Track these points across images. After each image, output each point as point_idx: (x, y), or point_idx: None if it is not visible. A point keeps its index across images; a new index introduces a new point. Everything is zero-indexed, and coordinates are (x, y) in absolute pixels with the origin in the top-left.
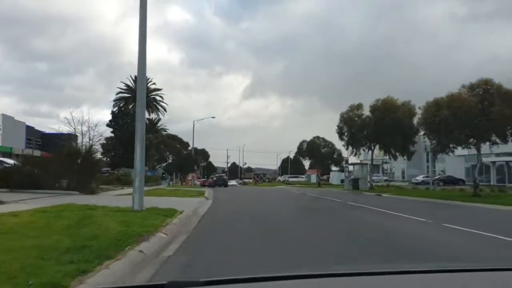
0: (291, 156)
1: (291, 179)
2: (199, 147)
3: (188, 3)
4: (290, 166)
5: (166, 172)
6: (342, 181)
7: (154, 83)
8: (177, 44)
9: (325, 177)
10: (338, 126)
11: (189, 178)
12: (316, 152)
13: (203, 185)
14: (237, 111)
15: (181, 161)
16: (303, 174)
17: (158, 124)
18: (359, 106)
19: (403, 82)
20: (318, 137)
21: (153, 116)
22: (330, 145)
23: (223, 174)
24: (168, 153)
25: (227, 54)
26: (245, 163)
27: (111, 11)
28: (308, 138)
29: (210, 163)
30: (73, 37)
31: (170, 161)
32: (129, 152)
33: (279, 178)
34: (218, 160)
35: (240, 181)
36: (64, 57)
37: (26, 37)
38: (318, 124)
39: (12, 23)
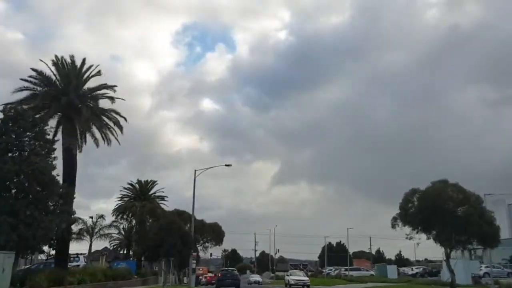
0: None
1: (352, 273)
2: (227, 236)
3: (219, 95)
4: (333, 254)
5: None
6: (474, 278)
7: (99, 72)
8: (208, 133)
9: (371, 267)
10: None
11: (200, 271)
12: (443, 213)
13: (209, 282)
14: (266, 198)
15: (157, 236)
16: (350, 266)
17: (152, 191)
18: None
19: (437, 167)
20: (445, 182)
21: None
22: (473, 198)
23: (233, 269)
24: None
25: (256, 141)
26: (278, 251)
27: (145, 104)
28: (423, 185)
29: (235, 251)
30: None
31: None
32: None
33: (326, 270)
34: (246, 248)
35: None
36: (95, 148)
37: None
38: (352, 212)
39: None
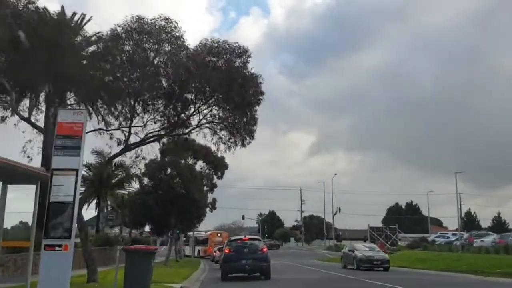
0: None
1: None
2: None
3: (254, 62)
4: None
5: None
6: None
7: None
8: None
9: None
10: None
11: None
12: None
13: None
14: (302, 169)
15: None
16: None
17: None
18: None
19: (481, 131)
20: None
21: None
22: None
23: (256, 237)
24: None
25: (292, 111)
26: (339, 209)
27: None
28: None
29: (274, 214)
30: None
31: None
32: None
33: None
34: (286, 218)
35: None
36: None
37: None
38: (389, 179)
39: None
